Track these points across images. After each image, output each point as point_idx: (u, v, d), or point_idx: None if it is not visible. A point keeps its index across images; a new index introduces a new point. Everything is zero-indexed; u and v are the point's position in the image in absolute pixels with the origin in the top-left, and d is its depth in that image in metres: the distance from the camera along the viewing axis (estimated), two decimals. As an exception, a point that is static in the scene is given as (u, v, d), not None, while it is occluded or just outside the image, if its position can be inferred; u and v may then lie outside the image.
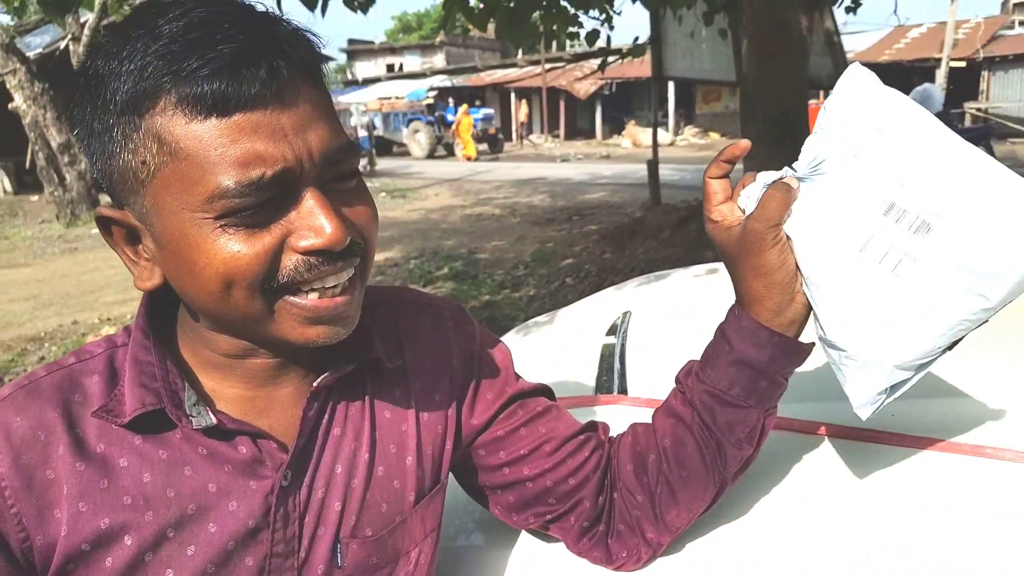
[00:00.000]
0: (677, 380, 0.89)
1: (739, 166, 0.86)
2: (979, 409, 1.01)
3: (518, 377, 0.93)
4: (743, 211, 0.82)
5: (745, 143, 0.82)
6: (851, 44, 22.15)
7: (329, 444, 0.77)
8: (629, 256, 7.38)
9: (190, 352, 0.75)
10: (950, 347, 0.76)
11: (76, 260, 9.87)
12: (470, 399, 0.88)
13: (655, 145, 10.28)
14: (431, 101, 26.22)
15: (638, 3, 4.93)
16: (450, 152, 24.85)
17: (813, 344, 0.83)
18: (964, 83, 21.09)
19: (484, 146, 24.85)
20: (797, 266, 0.79)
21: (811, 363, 0.86)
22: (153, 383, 0.71)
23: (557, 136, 29.31)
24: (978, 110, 20.79)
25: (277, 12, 0.67)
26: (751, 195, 0.81)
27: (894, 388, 0.78)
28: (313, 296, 0.67)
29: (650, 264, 6.65)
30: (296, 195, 0.64)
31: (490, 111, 26.90)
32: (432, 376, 0.86)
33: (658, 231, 8.17)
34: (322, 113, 0.66)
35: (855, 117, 0.75)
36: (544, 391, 0.94)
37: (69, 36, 12.94)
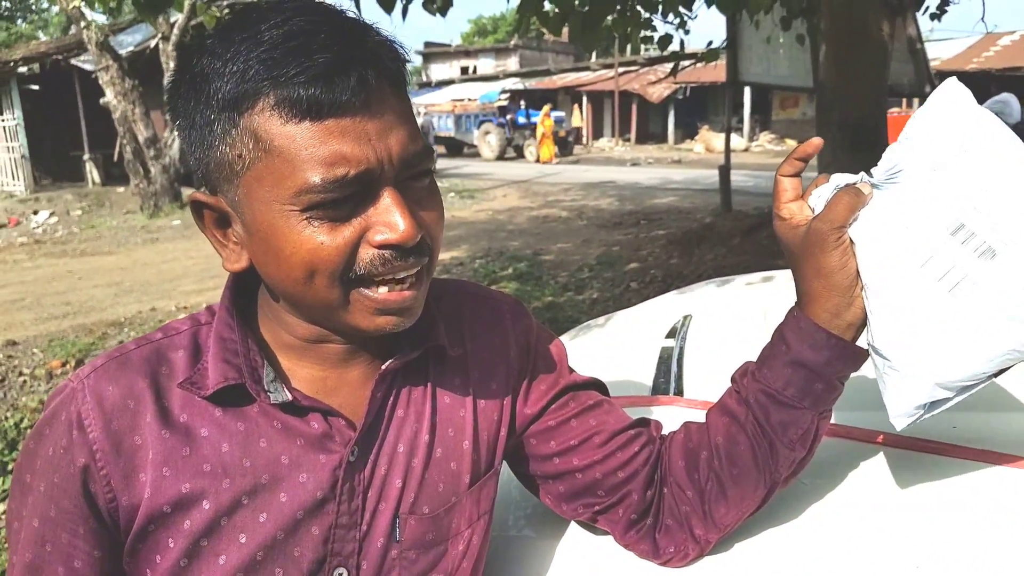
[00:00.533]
0: (733, 379, 0.90)
1: (813, 165, 0.86)
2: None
3: (571, 370, 0.96)
4: (812, 211, 0.82)
5: (818, 141, 0.83)
6: (937, 51, 21.48)
7: (393, 424, 0.81)
8: (697, 262, 7.31)
9: (269, 333, 0.80)
10: (996, 374, 0.75)
11: (157, 250, 10.25)
12: (524, 389, 0.91)
13: (728, 150, 10.15)
14: (503, 103, 26.35)
15: (714, 7, 4.90)
16: (519, 154, 24.94)
17: (868, 352, 0.83)
18: (1057, 93, 20.25)
19: (555, 148, 24.91)
20: (858, 271, 0.79)
21: (869, 370, 0.86)
22: (235, 359, 0.76)
23: (628, 140, 29.14)
24: (1071, 122, 19.94)
25: (367, 21, 0.72)
26: (822, 195, 0.82)
27: (934, 405, 0.78)
28: (383, 290, 0.72)
29: (718, 271, 6.58)
30: (375, 193, 0.69)
31: (561, 114, 26.92)
32: (490, 365, 0.89)
33: (728, 238, 8.07)
34: (403, 119, 0.70)
35: (942, 132, 0.75)
36: (597, 385, 0.96)
37: (159, 36, 13.44)
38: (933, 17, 6.99)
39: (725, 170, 10.07)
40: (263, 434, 0.76)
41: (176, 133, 0.74)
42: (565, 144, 25.34)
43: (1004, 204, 0.72)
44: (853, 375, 0.84)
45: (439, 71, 40.47)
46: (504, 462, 0.93)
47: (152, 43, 14.97)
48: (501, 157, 24.89)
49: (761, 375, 0.85)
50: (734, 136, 24.20)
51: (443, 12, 4.40)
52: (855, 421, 1.03)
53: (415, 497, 0.81)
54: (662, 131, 29.58)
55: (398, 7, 4.13)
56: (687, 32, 4.90)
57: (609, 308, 5.85)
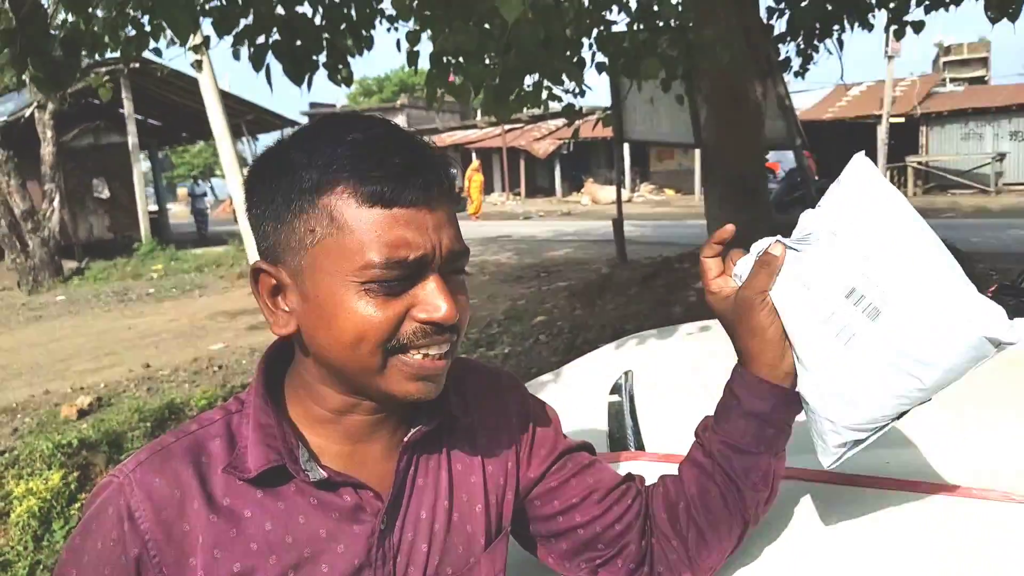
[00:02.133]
0: (696, 434, 1.02)
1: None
2: (970, 453, 1.15)
3: (565, 435, 1.06)
4: (736, 282, 0.95)
5: (730, 227, 0.96)
6: (797, 103, 22.91)
7: (415, 493, 0.89)
8: (599, 312, 7.53)
9: (300, 410, 0.87)
10: (897, 417, 0.86)
11: (43, 328, 9.75)
12: (526, 454, 1.00)
13: (619, 203, 10.56)
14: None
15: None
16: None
17: None
18: (904, 138, 22.00)
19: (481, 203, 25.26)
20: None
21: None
22: (275, 443, 0.82)
23: (518, 194, 29.75)
24: (919, 163, 21.69)
25: (424, 139, 0.85)
26: (745, 266, 0.93)
27: (854, 444, 0.89)
28: (418, 357, 0.81)
29: (621, 320, 6.81)
30: (424, 277, 0.80)
31: (453, 170, 27.24)
32: (494, 432, 0.98)
33: (626, 287, 8.37)
34: (452, 221, 0.83)
35: (845, 201, 0.86)
36: (586, 447, 1.07)
37: (35, 105, 12.95)
38: (797, 75, 7.57)
39: (618, 223, 10.46)
40: (301, 510, 0.82)
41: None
42: (457, 200, 25.54)
43: (887, 268, 0.82)
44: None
45: (325, 132, 40.25)
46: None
47: (27, 112, 14.40)
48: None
49: (719, 428, 0.97)
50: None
51: (348, 83, 4.53)
52: (804, 463, 1.16)
53: (439, 560, 0.89)
54: (550, 185, 30.33)
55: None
56: (583, 95, 5.17)
57: (522, 362, 5.96)
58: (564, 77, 3.72)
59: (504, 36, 3.13)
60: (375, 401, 0.86)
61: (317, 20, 4.35)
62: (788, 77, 7.46)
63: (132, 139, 16.53)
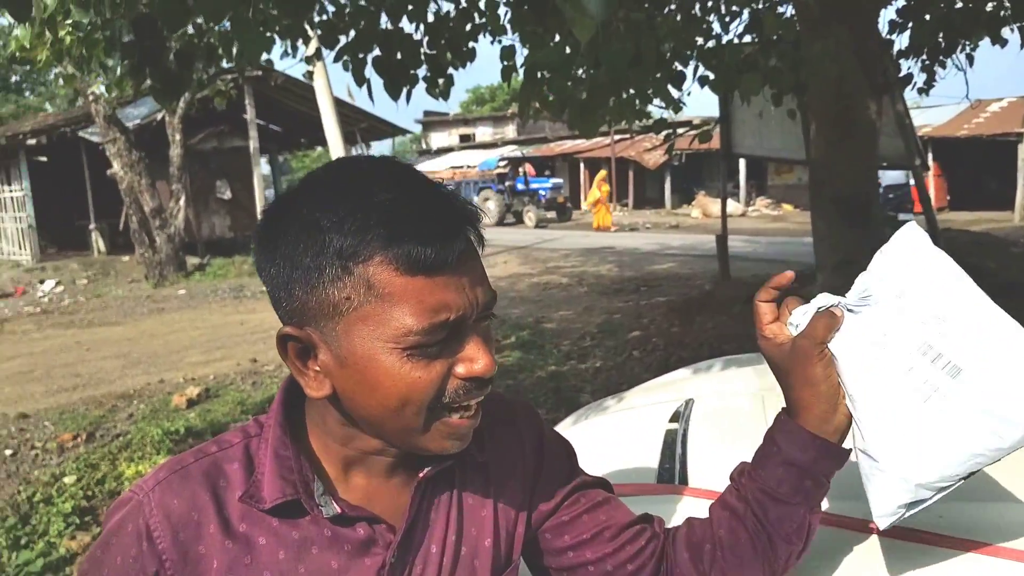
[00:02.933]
0: (731, 478, 0.99)
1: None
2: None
3: (581, 470, 1.05)
4: (791, 330, 0.93)
5: (790, 274, 0.94)
6: (928, 118, 21.91)
7: (426, 527, 0.90)
8: (697, 330, 7.38)
9: (320, 445, 0.88)
10: (966, 477, 0.85)
11: (163, 320, 10.35)
12: (539, 486, 1.00)
13: (724, 218, 10.31)
14: (502, 170, 26.82)
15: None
16: (519, 220, 25.26)
17: (851, 450, 0.93)
18: (1046, 157, 20.60)
19: (552, 214, 25.26)
20: (840, 381, 0.90)
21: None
22: (291, 476, 0.84)
23: (626, 205, 29.53)
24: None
25: (456, 193, 0.84)
26: (798, 319, 0.92)
27: (912, 505, 0.88)
28: (456, 417, 0.82)
29: (719, 339, 6.66)
30: (461, 334, 0.80)
31: (559, 180, 27.37)
32: (508, 466, 0.98)
33: (728, 306, 8.16)
34: (483, 272, 0.82)
35: (904, 264, 0.88)
36: (603, 483, 1.05)
37: (166, 109, 13.75)
38: (921, 91, 7.21)
39: (722, 239, 10.21)
40: (315, 542, 0.83)
41: (273, 269, 0.80)
42: (563, 210, 25.71)
43: (960, 329, 0.84)
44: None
45: (438, 139, 41.19)
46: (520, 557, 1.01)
47: (159, 116, 15.33)
48: (500, 223, 25.22)
49: (757, 475, 0.94)
50: (731, 201, 24.52)
51: (445, 96, 4.59)
52: (846, 511, 1.11)
53: None
54: (659, 196, 29.99)
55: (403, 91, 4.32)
56: (680, 111, 5.08)
57: (613, 377, 5.91)
58: (651, 94, 3.67)
59: (592, 53, 3.11)
60: (400, 449, 0.87)
61: (418, 35, 4.44)
62: (913, 93, 7.12)
63: (253, 143, 17.33)
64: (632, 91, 3.89)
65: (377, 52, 4.23)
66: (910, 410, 0.85)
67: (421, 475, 0.88)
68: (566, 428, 2.05)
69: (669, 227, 22.16)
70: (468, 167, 29.24)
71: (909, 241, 0.90)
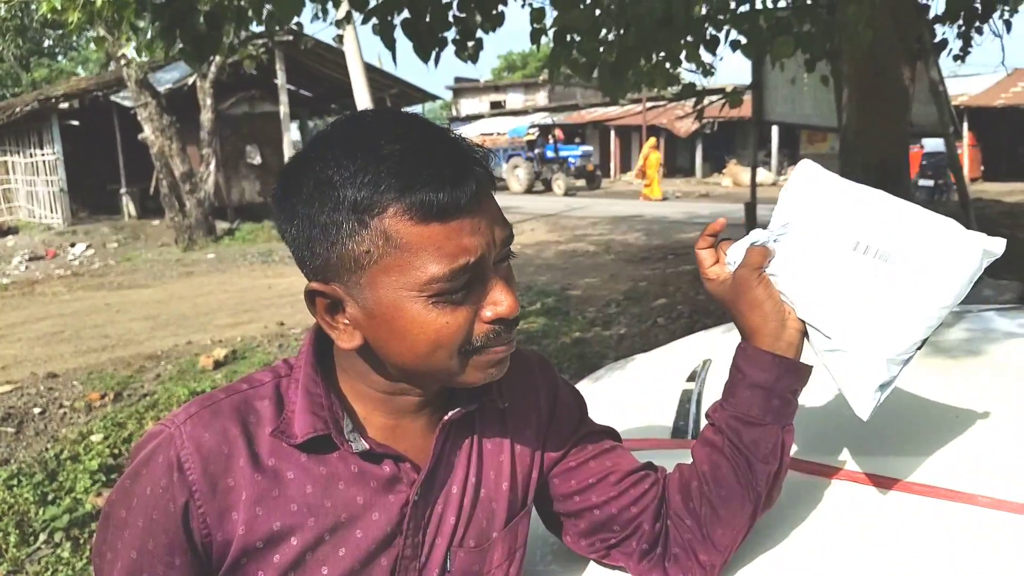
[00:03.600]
0: (707, 415, 1.03)
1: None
2: (962, 455, 1.13)
3: (590, 419, 1.08)
4: (730, 268, 1.01)
5: (722, 220, 1.04)
6: (965, 87, 21.40)
7: (448, 468, 0.93)
8: (722, 299, 7.33)
9: (348, 385, 0.91)
10: (922, 344, 0.94)
11: (192, 283, 10.49)
12: (551, 434, 1.03)
13: (753, 187, 10.20)
14: (532, 137, 26.68)
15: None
16: (548, 188, 25.16)
17: (811, 367, 0.99)
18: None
19: (581, 182, 25.11)
20: (783, 299, 0.97)
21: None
22: (321, 412, 0.86)
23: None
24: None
25: (458, 134, 0.84)
26: (736, 253, 1.00)
27: (886, 385, 0.95)
28: (491, 351, 0.84)
29: (743, 308, 6.61)
30: (484, 277, 0.82)
31: (589, 148, 27.17)
32: (524, 414, 1.01)
33: (754, 274, 8.10)
34: (498, 209, 0.84)
35: (811, 192, 0.98)
36: (611, 432, 1.08)
37: (197, 74, 13.83)
38: (956, 58, 7.06)
39: (751, 207, 10.10)
40: (342, 477, 0.86)
41: (287, 228, 0.83)
42: (593, 178, 25.56)
43: (879, 226, 0.94)
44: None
45: (469, 106, 41.02)
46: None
47: (190, 80, 15.42)
48: (529, 191, 25.13)
49: (727, 404, 0.99)
50: (762, 170, 24.23)
51: (474, 59, 4.57)
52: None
53: (464, 532, 0.93)
54: (690, 165, 29.69)
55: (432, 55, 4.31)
56: (712, 75, 5.02)
57: (637, 344, 5.91)
58: (683, 57, 3.62)
59: (622, 14, 3.08)
60: (430, 388, 0.90)
61: (446, -2, 4.42)
62: (949, 63, 6.98)
63: (284, 109, 17.36)
64: (663, 54, 3.84)
65: (406, 14, 4.22)
66: (859, 297, 0.93)
67: (446, 418, 0.91)
68: (587, 385, 2.07)
69: (699, 196, 21.97)
70: (498, 134, 29.12)
71: (808, 174, 1.00)
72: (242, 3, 4.50)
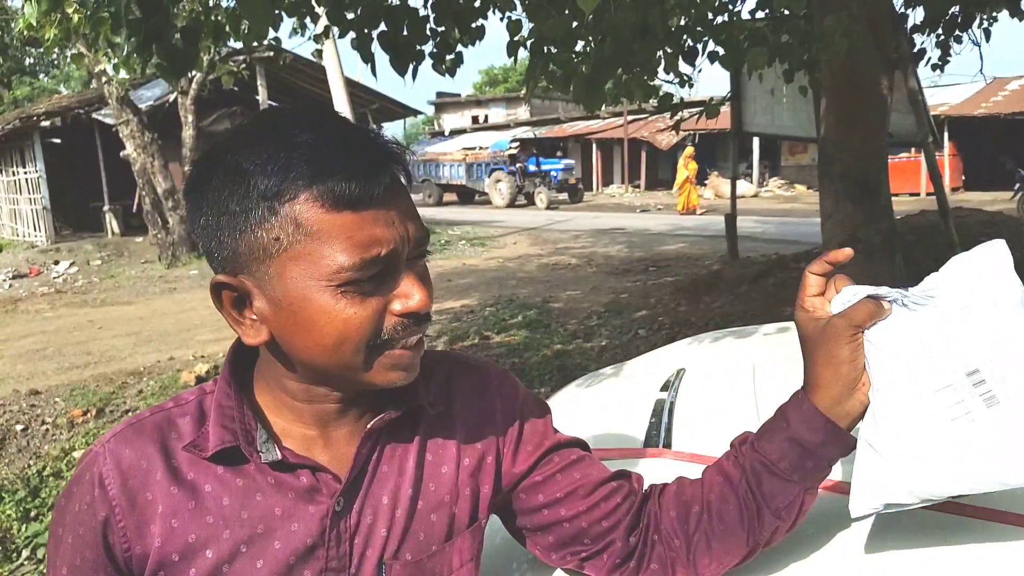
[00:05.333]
0: (732, 445, 0.98)
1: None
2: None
3: (556, 431, 1.05)
4: (833, 308, 0.90)
5: (848, 251, 0.90)
6: (945, 97, 21.64)
7: (377, 478, 0.91)
8: (704, 309, 7.37)
9: (268, 396, 0.90)
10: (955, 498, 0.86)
11: (175, 299, 10.43)
12: (512, 449, 1.00)
13: (733, 198, 10.27)
14: (514, 152, 26.75)
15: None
16: (530, 201, 25.21)
17: (856, 440, 0.91)
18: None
19: (564, 195, 25.18)
20: (866, 370, 0.88)
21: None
22: (232, 424, 0.86)
23: (638, 187, 29.42)
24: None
25: (379, 130, 0.85)
26: (850, 298, 0.89)
27: (891, 507, 0.87)
28: (399, 349, 0.83)
29: (725, 319, 6.64)
30: (396, 271, 0.81)
31: (571, 161, 27.27)
32: (476, 426, 0.98)
33: (735, 285, 8.14)
34: (414, 208, 0.83)
35: (978, 279, 0.85)
36: (579, 443, 1.05)
37: (178, 91, 13.79)
38: (935, 68, 7.13)
39: (731, 218, 10.18)
40: (259, 489, 0.85)
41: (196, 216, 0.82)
42: (575, 191, 25.64)
43: (1014, 363, 0.81)
44: None
45: (451, 120, 41.09)
46: (497, 517, 1.02)
47: (171, 97, 15.38)
48: (512, 204, 25.18)
49: (759, 446, 0.93)
50: (744, 182, 24.37)
51: (451, 73, 4.56)
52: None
53: (398, 545, 0.90)
54: (671, 177, 29.77)
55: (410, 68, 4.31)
56: (691, 87, 5.04)
57: (618, 355, 5.91)
58: (661, 69, 3.63)
59: (598, 25, 3.09)
60: (347, 391, 0.88)
61: (424, 11, 4.42)
62: (927, 72, 7.04)
63: (266, 124, 17.28)
64: (639, 67, 3.85)
65: (383, 28, 4.22)
66: (934, 423, 0.83)
67: (369, 425, 0.89)
68: (565, 395, 2.07)
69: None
70: (480, 148, 29.16)
71: (991, 256, 0.87)
72: (220, 19, 4.49)
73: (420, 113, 29.10)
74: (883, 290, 0.88)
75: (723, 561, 0.95)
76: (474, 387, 1.01)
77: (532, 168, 25.46)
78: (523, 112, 37.16)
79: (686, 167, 20.32)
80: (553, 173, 25.54)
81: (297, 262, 0.77)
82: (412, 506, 0.92)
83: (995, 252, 0.87)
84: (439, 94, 41.73)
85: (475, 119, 40.10)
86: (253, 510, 0.85)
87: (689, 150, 20.97)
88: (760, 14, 5.92)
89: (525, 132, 30.50)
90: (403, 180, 0.82)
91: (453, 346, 6.62)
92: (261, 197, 0.77)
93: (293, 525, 0.86)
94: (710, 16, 5.05)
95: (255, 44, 4.70)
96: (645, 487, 1.03)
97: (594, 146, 30.86)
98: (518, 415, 1.01)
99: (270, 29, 4.63)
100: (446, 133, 37.24)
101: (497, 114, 39.76)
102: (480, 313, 8.08)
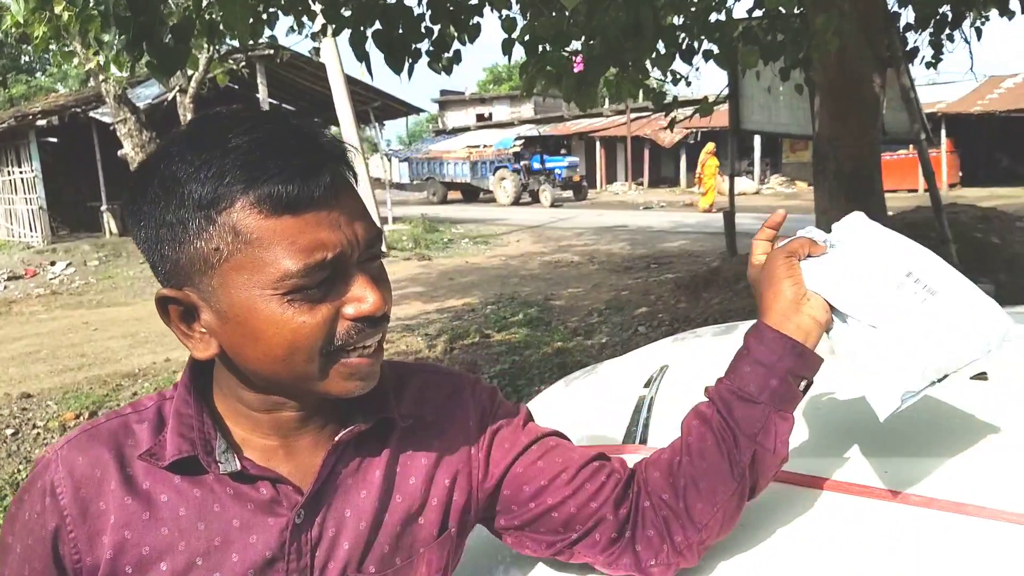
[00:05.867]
0: (705, 390, 1.00)
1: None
2: (967, 469, 1.08)
3: (533, 426, 1.03)
4: None
5: (782, 213, 1.03)
6: (941, 95, 21.62)
7: (341, 491, 0.89)
8: (703, 306, 7.37)
9: (225, 405, 0.88)
10: (942, 379, 0.95)
11: (173, 299, 10.39)
12: (486, 454, 0.98)
13: (732, 196, 10.27)
14: (518, 149, 26.74)
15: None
16: (534, 199, 25.20)
17: (821, 359, 0.96)
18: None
19: (568, 193, 25.17)
20: (814, 292, 0.97)
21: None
22: (190, 433, 0.84)
23: (641, 184, 29.40)
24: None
25: (320, 127, 0.82)
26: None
27: (908, 395, 0.94)
28: (356, 357, 0.81)
29: (723, 315, 6.64)
30: (346, 274, 0.79)
31: (575, 159, 27.27)
32: (448, 438, 0.96)
33: (734, 281, 8.12)
34: (362, 208, 0.81)
35: (864, 229, 1.01)
36: (556, 433, 1.03)
37: (177, 88, 13.79)
38: (928, 66, 7.11)
39: (729, 215, 10.17)
40: (217, 500, 0.83)
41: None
42: (579, 189, 25.64)
43: (927, 268, 0.96)
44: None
45: (455, 118, 41.07)
46: (482, 525, 1.01)
47: (169, 96, 15.35)
48: (516, 202, 25.17)
49: (727, 377, 0.97)
50: (745, 179, 24.37)
51: (448, 71, 4.55)
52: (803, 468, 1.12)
53: (362, 557, 0.88)
54: (674, 175, 29.83)
55: (406, 67, 4.31)
56: (688, 84, 5.04)
57: (617, 352, 5.87)
58: (651, 67, 3.63)
59: (590, 23, 3.08)
60: (305, 401, 0.86)
61: (420, 9, 4.41)
62: (922, 68, 7.03)
63: (266, 123, 17.26)
64: (631, 65, 3.84)
65: (378, 26, 4.21)
66: (909, 307, 0.94)
67: (337, 439, 0.87)
68: (550, 393, 2.07)
69: (684, 205, 22.03)
70: (484, 146, 29.16)
71: (860, 221, 1.02)
72: (214, 17, 4.49)
73: (423, 111, 29.06)
74: (808, 229, 1.02)
75: (715, 500, 0.93)
76: (447, 396, 1.00)
77: (536, 166, 25.43)
78: (527, 110, 37.15)
79: (703, 165, 19.59)
80: (557, 171, 25.53)
81: (240, 272, 0.75)
82: (377, 519, 0.90)
83: (859, 219, 1.03)
84: (443, 92, 41.72)
85: (479, 117, 40.09)
86: (211, 522, 0.83)
87: (710, 146, 20.15)
88: (757, 12, 5.91)
89: (529, 130, 30.50)
90: (348, 180, 0.80)
91: (453, 344, 6.60)
92: (197, 206, 0.74)
93: (252, 537, 0.83)
94: (704, 13, 5.04)
95: (251, 42, 4.69)
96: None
97: (598, 144, 30.83)
98: (492, 419, 1.00)
99: (265, 28, 4.65)
100: (450, 131, 37.22)
101: (501, 112, 39.74)
102: (481, 311, 8.08)
